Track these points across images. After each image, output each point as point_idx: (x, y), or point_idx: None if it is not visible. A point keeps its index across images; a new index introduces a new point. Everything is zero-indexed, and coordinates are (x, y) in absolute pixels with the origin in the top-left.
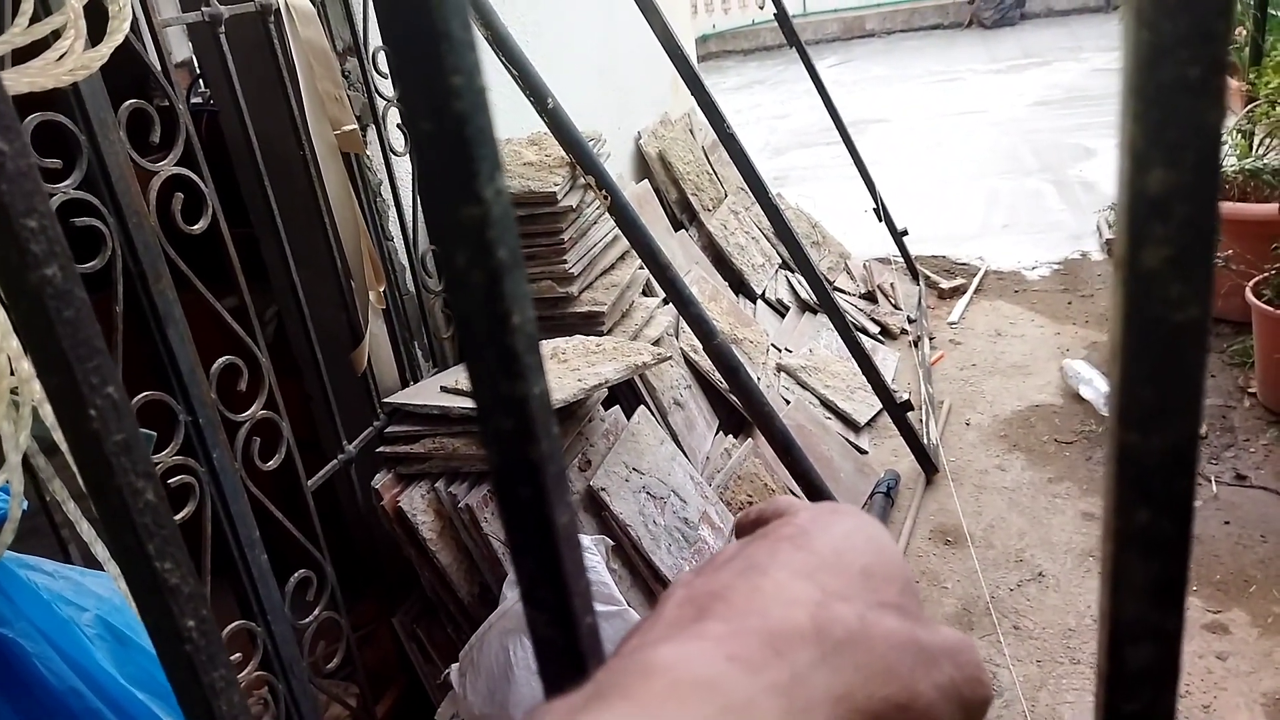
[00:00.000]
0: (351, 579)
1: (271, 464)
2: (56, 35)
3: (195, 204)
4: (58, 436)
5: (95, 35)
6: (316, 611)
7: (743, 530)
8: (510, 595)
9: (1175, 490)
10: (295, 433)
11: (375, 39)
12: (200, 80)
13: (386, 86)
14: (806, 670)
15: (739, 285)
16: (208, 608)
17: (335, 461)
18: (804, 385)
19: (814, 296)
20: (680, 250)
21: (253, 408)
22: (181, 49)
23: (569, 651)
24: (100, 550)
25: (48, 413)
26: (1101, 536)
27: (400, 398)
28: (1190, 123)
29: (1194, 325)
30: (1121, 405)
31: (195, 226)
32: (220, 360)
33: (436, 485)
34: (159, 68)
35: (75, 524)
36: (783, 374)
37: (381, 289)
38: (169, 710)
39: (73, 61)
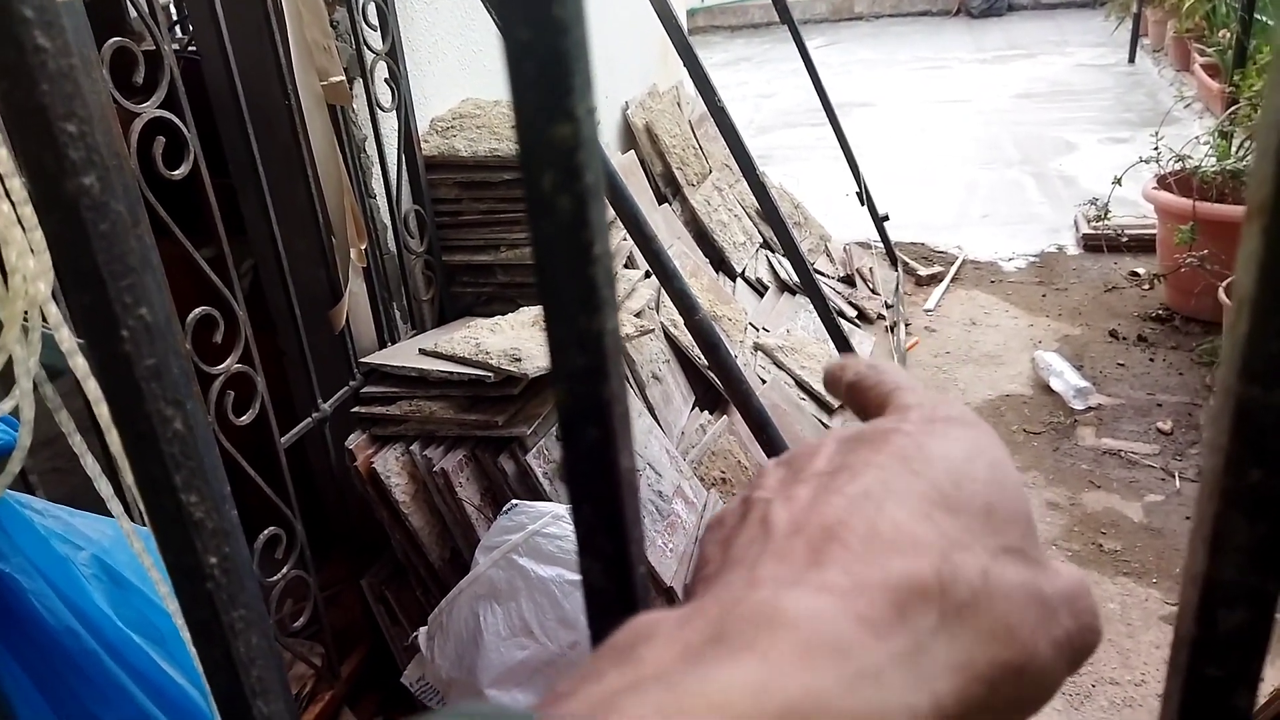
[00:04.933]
0: (320, 539)
1: (245, 419)
2: None
3: (176, 150)
4: (74, 363)
5: None
6: (285, 570)
7: (832, 383)
8: (482, 560)
9: None
10: (269, 389)
11: None
12: (177, 26)
13: (375, 39)
14: (928, 637)
15: (719, 262)
16: (231, 544)
17: (309, 420)
18: (780, 365)
19: (795, 277)
20: (664, 224)
21: (227, 361)
22: None
23: (622, 602)
24: (104, 487)
25: (64, 337)
26: (1201, 495)
27: (377, 358)
28: None
29: None
30: (1245, 358)
31: (176, 172)
32: (196, 311)
33: (411, 448)
34: (145, 6)
35: (81, 457)
36: (760, 353)
37: (363, 247)
38: (165, 655)
39: None
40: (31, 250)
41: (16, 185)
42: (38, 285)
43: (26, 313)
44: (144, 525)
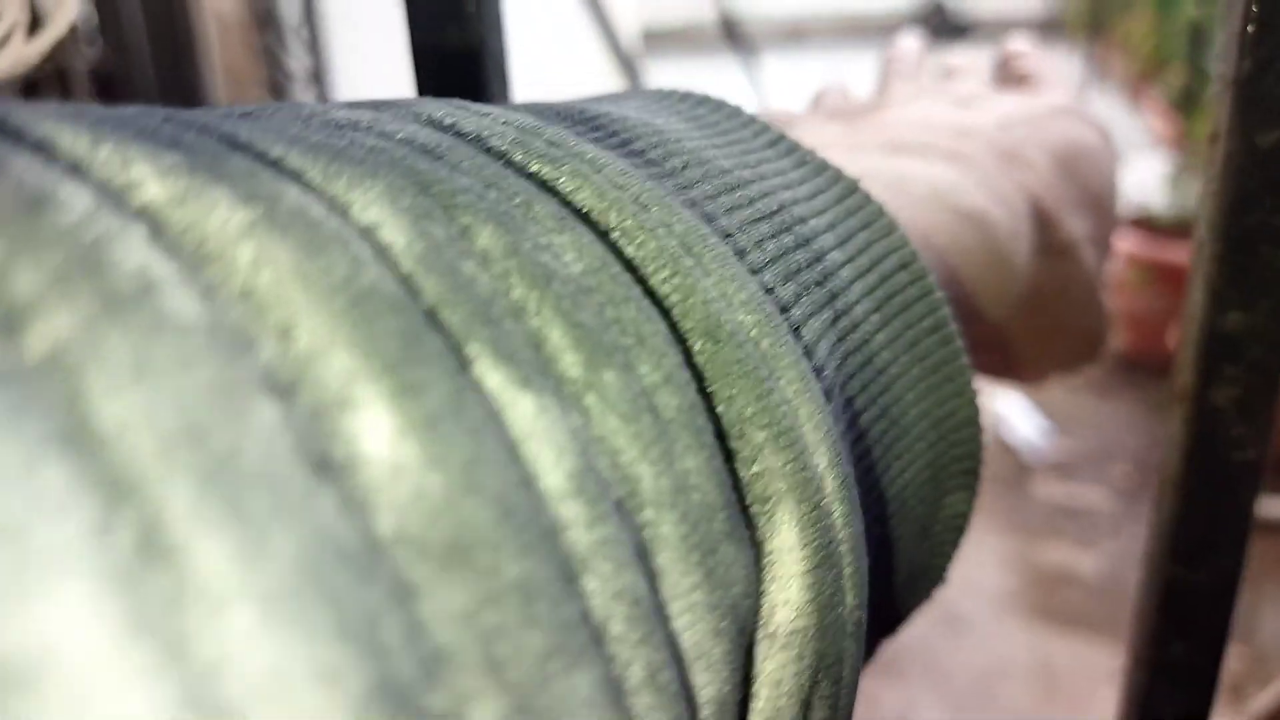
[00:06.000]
0: None
1: None
2: None
3: None
4: None
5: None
6: None
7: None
8: None
9: (1215, 625)
10: None
11: (294, 13)
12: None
13: (302, 64)
14: (1034, 252)
15: None
16: None
17: None
18: None
19: None
20: None
21: None
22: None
23: None
24: None
25: None
26: (1127, 663)
27: None
28: (1271, 269)
29: (1251, 466)
30: (1170, 538)
31: None
32: None
33: None
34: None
35: None
36: None
37: None
38: None
39: (11, 55)
40: None
41: None
42: None
43: None
44: None
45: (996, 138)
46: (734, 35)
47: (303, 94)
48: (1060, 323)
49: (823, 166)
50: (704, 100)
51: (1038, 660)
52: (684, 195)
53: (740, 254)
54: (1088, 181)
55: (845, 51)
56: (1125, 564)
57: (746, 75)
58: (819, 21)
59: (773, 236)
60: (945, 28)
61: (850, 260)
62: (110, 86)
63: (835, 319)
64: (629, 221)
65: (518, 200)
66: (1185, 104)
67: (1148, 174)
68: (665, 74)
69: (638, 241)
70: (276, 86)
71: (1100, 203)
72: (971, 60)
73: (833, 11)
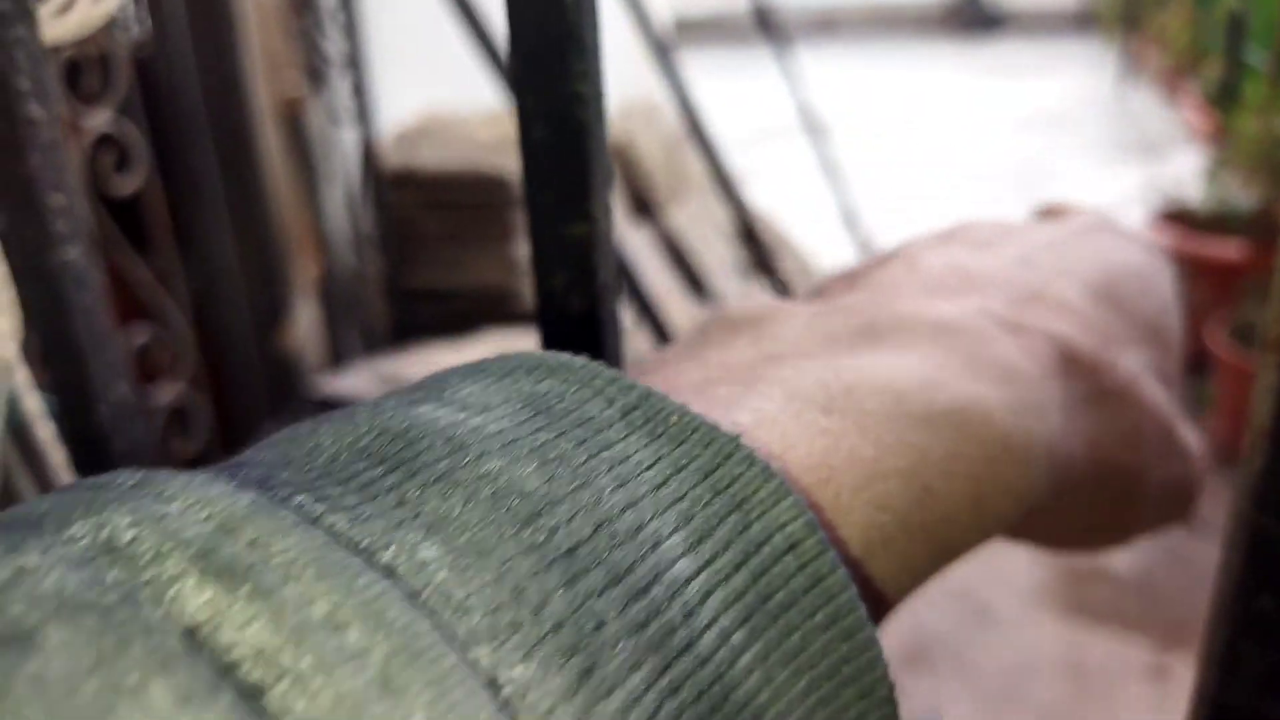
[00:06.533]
0: None
1: (189, 447)
2: None
3: (127, 160)
4: (40, 427)
5: None
6: None
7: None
8: None
9: None
10: (214, 411)
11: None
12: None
13: (338, 50)
14: (1079, 401)
15: (695, 285)
16: None
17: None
18: None
19: None
20: (640, 245)
21: (171, 380)
22: None
23: None
24: None
25: (30, 407)
26: (1211, 617)
27: (329, 382)
28: None
29: None
30: (1261, 490)
31: (127, 188)
32: (140, 328)
33: None
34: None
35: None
36: None
37: (317, 267)
38: None
39: (78, 17)
40: (1, 309)
41: None
42: (8, 344)
43: None
44: None
45: (1017, 279)
46: (766, 25)
47: (339, 80)
48: (1137, 477)
49: (684, 435)
50: (556, 370)
51: (1068, 656)
52: (453, 554)
53: (494, 638)
54: (1137, 307)
55: (878, 43)
56: (1158, 560)
57: (779, 65)
58: (852, 12)
59: (567, 584)
60: (979, 20)
61: (707, 564)
62: (151, 69)
63: (665, 667)
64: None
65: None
66: (1223, 98)
67: (1184, 168)
68: (699, 63)
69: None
70: (314, 71)
71: (1157, 328)
72: None
73: (866, 3)
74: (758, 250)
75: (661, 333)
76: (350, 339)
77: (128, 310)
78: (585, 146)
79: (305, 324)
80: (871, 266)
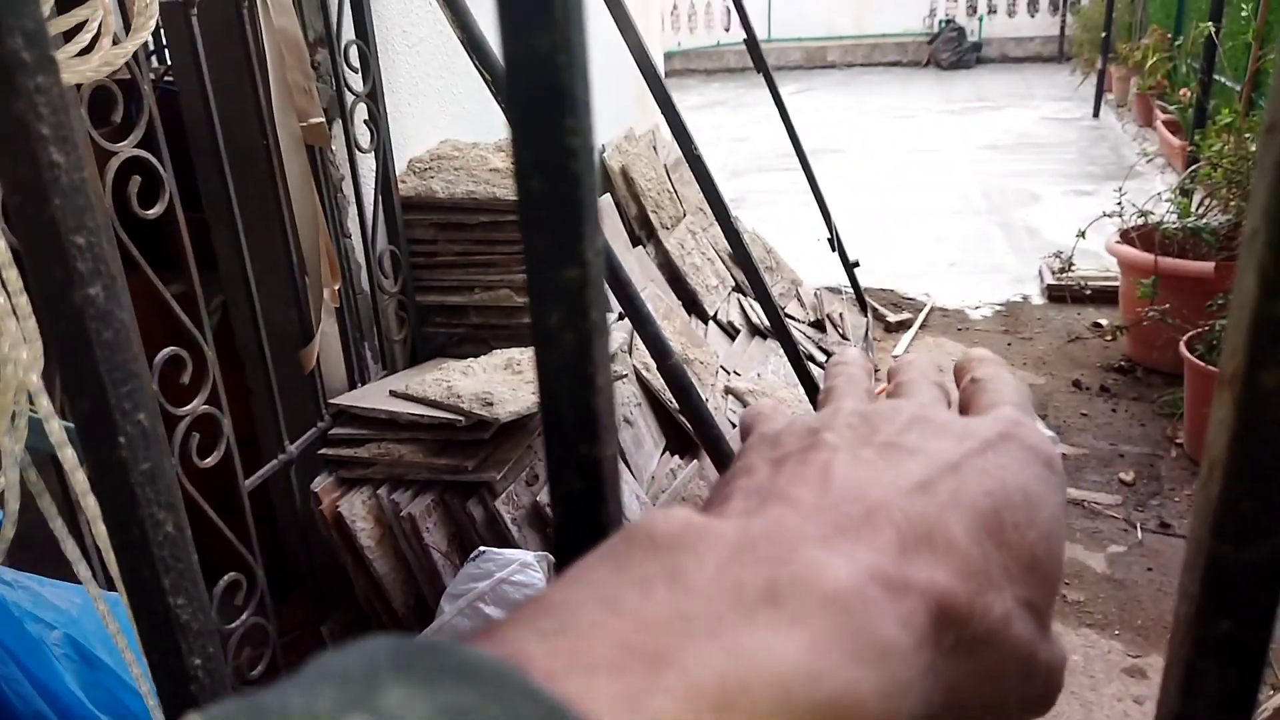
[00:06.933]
0: (280, 582)
1: (210, 461)
2: (78, 28)
3: (150, 185)
4: (64, 455)
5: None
6: (244, 616)
7: (959, 373)
8: (448, 609)
9: (1261, 603)
10: (234, 429)
11: (349, 31)
12: (153, 56)
13: (356, 80)
14: (943, 657)
15: (692, 305)
16: (215, 644)
17: (275, 462)
18: None
19: (766, 321)
20: (638, 267)
21: (194, 402)
22: None
23: None
24: (83, 570)
25: (54, 429)
26: (1173, 638)
27: (347, 399)
28: None
29: None
30: (1218, 517)
31: (151, 211)
32: (164, 351)
33: (379, 492)
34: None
35: (61, 542)
36: (730, 396)
37: (336, 287)
38: None
39: (99, 58)
40: (24, 339)
41: (13, 276)
42: (30, 376)
43: (16, 401)
44: (111, 590)
45: (913, 513)
46: (755, 57)
47: (358, 109)
48: (998, 704)
49: None
50: (474, 677)
51: None
52: None
53: None
54: (1020, 542)
55: (865, 74)
56: (1133, 561)
57: (770, 94)
58: (840, 44)
59: None
60: (962, 49)
61: None
62: (173, 98)
63: None
64: None
65: None
66: (1195, 121)
67: (1158, 189)
68: (694, 93)
69: None
70: (334, 101)
71: (1034, 562)
72: (919, 362)
73: (853, 34)
74: (749, 270)
75: (658, 348)
76: (367, 357)
77: (150, 330)
78: (577, 196)
79: (325, 342)
80: (791, 458)
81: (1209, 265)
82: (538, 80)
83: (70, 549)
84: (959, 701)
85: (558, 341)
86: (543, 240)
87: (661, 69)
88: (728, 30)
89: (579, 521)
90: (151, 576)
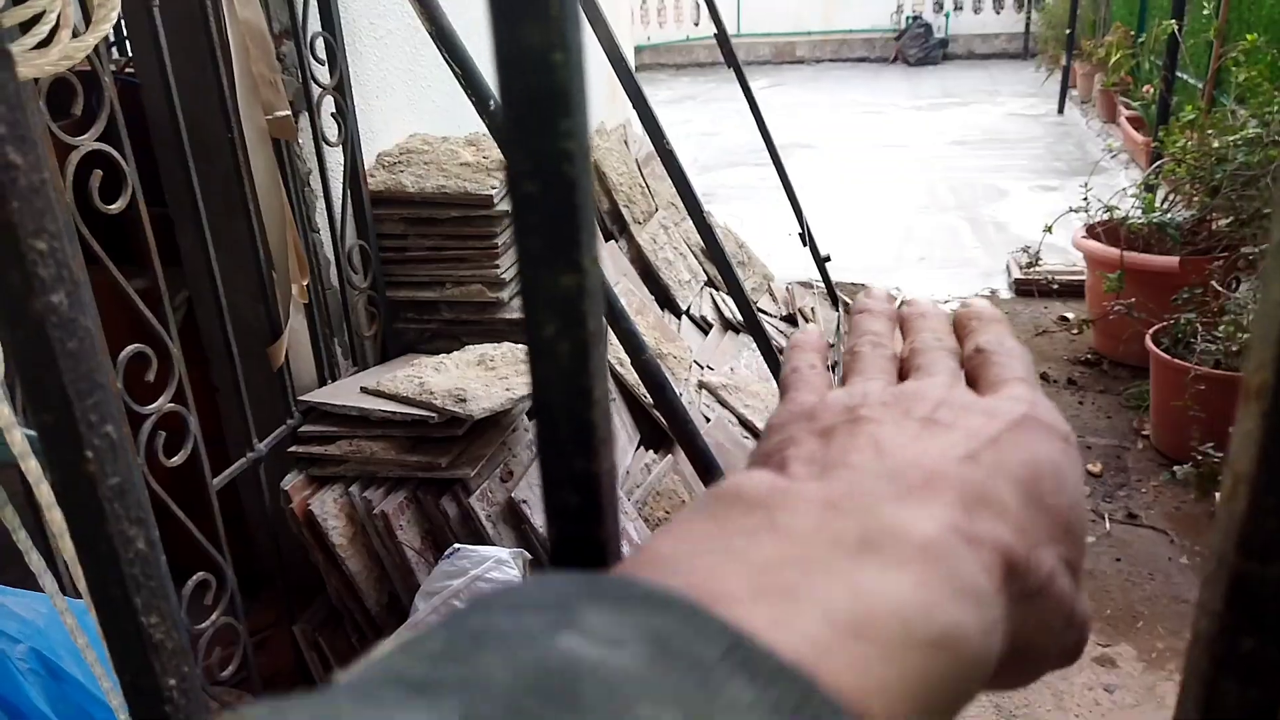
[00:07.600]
0: (249, 581)
1: (176, 460)
2: (35, 19)
3: (112, 179)
4: (26, 466)
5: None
6: (214, 617)
7: (960, 326)
8: (422, 606)
9: None
10: (201, 427)
11: (315, 23)
12: (114, 48)
13: (323, 73)
14: (1010, 606)
15: (665, 300)
16: (189, 663)
17: (244, 460)
18: (724, 404)
19: (739, 316)
20: (610, 261)
21: (159, 400)
22: None
23: None
24: (49, 583)
25: (15, 440)
26: (1191, 654)
27: (317, 396)
28: None
29: None
30: (1242, 534)
31: (113, 206)
32: (128, 349)
33: (350, 489)
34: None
35: (25, 554)
36: (704, 391)
37: (305, 282)
38: None
39: (58, 51)
40: None
41: None
42: None
43: None
44: (76, 597)
45: (965, 480)
46: (725, 51)
47: (325, 102)
48: (1041, 652)
49: (776, 678)
50: (666, 606)
51: None
52: None
53: None
54: (1056, 506)
55: (833, 69)
56: (1102, 552)
57: (741, 89)
58: (809, 39)
59: None
60: (929, 45)
61: None
62: (135, 91)
63: None
64: None
65: None
66: (1159, 117)
67: (1122, 184)
68: (661, 88)
69: None
70: (300, 94)
71: (1069, 525)
72: (930, 319)
73: (822, 30)
74: (722, 265)
75: (632, 343)
76: (337, 353)
77: (114, 327)
78: (573, 201)
79: (294, 338)
80: (838, 431)
81: (1174, 260)
82: (532, 80)
83: (35, 561)
84: (1018, 648)
85: (553, 352)
86: (537, 246)
87: (632, 63)
88: (697, 24)
89: (575, 538)
90: (121, 595)
